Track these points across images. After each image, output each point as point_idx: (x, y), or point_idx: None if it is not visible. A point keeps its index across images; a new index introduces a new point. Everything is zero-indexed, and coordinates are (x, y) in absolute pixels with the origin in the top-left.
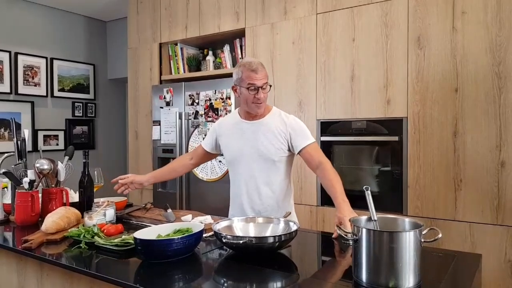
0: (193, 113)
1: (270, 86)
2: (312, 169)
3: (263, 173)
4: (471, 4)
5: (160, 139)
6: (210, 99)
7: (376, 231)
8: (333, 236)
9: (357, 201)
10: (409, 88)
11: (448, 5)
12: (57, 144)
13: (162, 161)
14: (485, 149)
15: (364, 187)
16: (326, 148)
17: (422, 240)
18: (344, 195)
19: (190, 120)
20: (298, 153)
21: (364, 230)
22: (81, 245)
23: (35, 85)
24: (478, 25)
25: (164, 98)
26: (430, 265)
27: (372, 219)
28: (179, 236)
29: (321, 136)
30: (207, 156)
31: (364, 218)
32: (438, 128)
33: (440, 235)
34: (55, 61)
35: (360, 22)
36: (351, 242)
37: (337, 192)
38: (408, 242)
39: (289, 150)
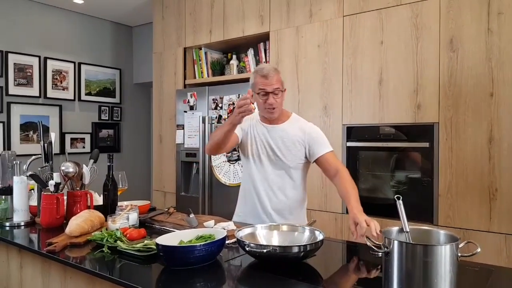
0: (216, 117)
1: (284, 90)
2: (330, 177)
3: (277, 177)
4: (509, 4)
5: (183, 143)
6: (233, 103)
7: (409, 243)
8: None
9: (384, 210)
10: (440, 93)
11: (483, 5)
12: (84, 147)
13: (185, 165)
14: None
15: (396, 196)
16: (352, 154)
17: (459, 254)
18: (359, 202)
19: (213, 124)
20: (314, 161)
21: (396, 243)
22: (104, 249)
23: (63, 89)
24: None
25: (188, 102)
26: (465, 281)
27: (404, 230)
28: (202, 243)
29: (347, 141)
30: (234, 140)
31: (395, 229)
32: (472, 135)
33: (478, 250)
34: (82, 66)
35: (389, 24)
36: (380, 254)
37: (351, 199)
38: (444, 257)
39: (305, 157)
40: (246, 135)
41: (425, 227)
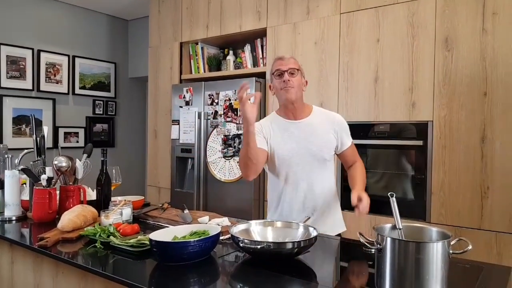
0: (212, 113)
1: (304, 79)
2: (347, 167)
3: (315, 173)
4: (503, 4)
5: (179, 139)
6: (229, 99)
7: (401, 240)
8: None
9: (378, 206)
10: (435, 91)
11: (478, 5)
12: (77, 142)
13: (180, 161)
14: None
15: (389, 193)
16: None
17: (451, 251)
18: (364, 186)
19: (209, 120)
20: (341, 152)
21: (388, 239)
22: (96, 244)
23: (57, 83)
24: (510, 26)
25: (184, 97)
26: (457, 277)
27: (397, 227)
28: (196, 239)
29: None
30: (264, 156)
31: (388, 226)
32: (465, 133)
33: (470, 247)
34: (77, 59)
35: (385, 22)
36: (373, 251)
37: (358, 182)
38: (436, 254)
39: (334, 144)
40: (276, 139)
41: (418, 224)
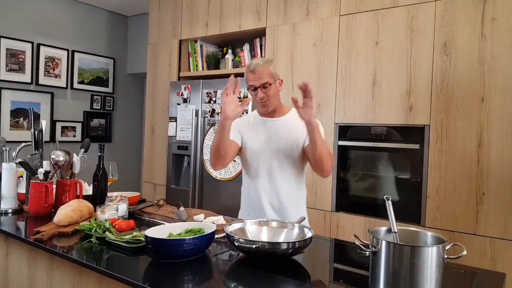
0: (209, 111)
1: (279, 82)
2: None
3: (283, 170)
4: (502, 11)
5: (175, 136)
6: None
7: (396, 244)
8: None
9: (372, 209)
10: (433, 95)
11: (477, 11)
12: (74, 136)
13: (177, 158)
14: (511, 162)
15: (385, 196)
16: (343, 152)
17: (445, 256)
18: (320, 136)
19: (206, 118)
20: (306, 146)
21: (384, 243)
22: (92, 239)
23: (56, 77)
24: (509, 32)
25: (182, 94)
26: (451, 282)
27: (392, 230)
28: (191, 237)
29: (339, 140)
30: (235, 149)
31: (383, 229)
32: (462, 138)
33: (464, 252)
34: (76, 54)
35: (385, 25)
36: (367, 253)
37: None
38: (431, 258)
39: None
40: (251, 133)
41: (413, 228)
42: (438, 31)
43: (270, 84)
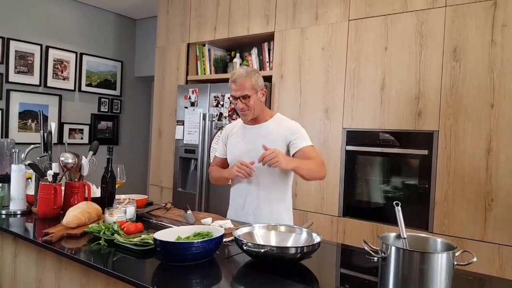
0: (217, 114)
1: (261, 93)
2: None
3: (261, 176)
4: None
5: (183, 139)
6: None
7: (406, 250)
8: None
9: (379, 215)
10: (442, 101)
11: (488, 17)
12: (82, 138)
13: (184, 161)
14: None
15: (395, 202)
16: (351, 158)
17: (455, 263)
18: (300, 162)
19: (213, 122)
20: (294, 153)
21: (393, 249)
22: (100, 241)
23: (64, 79)
24: None
25: (189, 98)
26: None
27: (402, 236)
28: (199, 240)
29: (347, 145)
30: (226, 164)
31: (392, 235)
32: (471, 144)
33: (475, 259)
34: (84, 56)
35: (394, 30)
36: (376, 259)
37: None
38: (440, 265)
39: (287, 153)
40: (232, 141)
41: (423, 234)
42: (447, 37)
43: (249, 96)
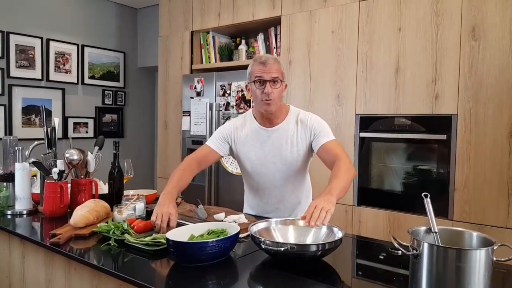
0: (224, 104)
1: (285, 86)
2: (329, 166)
3: (287, 181)
4: None
5: (189, 130)
6: (242, 90)
7: (440, 247)
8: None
9: (396, 202)
10: (460, 83)
11: None
12: (87, 132)
13: (191, 153)
14: None
15: (423, 194)
16: (365, 145)
17: (495, 259)
18: (338, 186)
19: (221, 112)
20: (317, 151)
21: (426, 245)
22: (110, 242)
23: (66, 72)
24: None
25: (195, 88)
26: (497, 284)
27: (433, 230)
28: (214, 239)
29: (360, 132)
30: (215, 159)
31: (422, 229)
32: (492, 127)
33: None
34: (86, 48)
35: (408, 10)
36: (399, 252)
37: (331, 183)
38: (479, 262)
39: (309, 150)
40: (247, 147)
41: (456, 228)
42: (465, 15)
43: (281, 81)
